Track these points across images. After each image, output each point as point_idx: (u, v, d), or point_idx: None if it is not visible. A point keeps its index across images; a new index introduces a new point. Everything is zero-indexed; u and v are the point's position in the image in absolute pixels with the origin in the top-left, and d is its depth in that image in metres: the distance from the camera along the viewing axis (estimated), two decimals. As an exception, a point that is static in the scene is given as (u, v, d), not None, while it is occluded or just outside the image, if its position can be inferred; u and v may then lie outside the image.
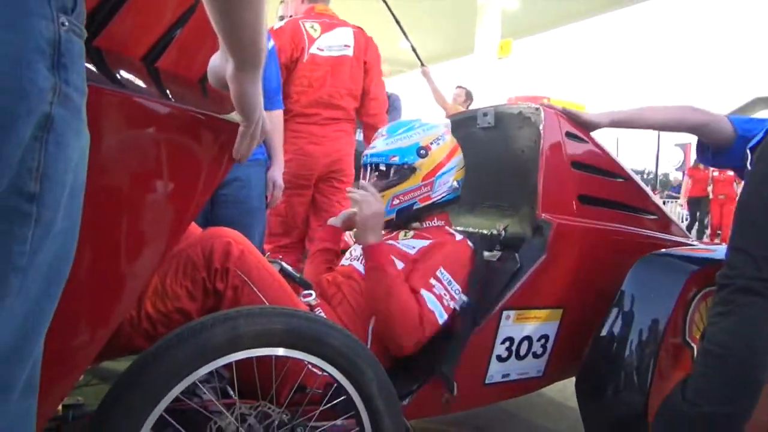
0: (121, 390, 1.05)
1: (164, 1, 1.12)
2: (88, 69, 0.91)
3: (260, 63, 0.83)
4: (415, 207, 1.72)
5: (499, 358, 1.64)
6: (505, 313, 1.61)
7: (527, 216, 1.76)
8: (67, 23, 0.57)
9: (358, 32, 2.90)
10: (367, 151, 1.79)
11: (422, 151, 1.70)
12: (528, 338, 1.68)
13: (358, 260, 1.68)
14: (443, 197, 1.75)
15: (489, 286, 1.65)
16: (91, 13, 0.94)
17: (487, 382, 1.64)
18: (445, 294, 1.56)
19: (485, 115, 1.97)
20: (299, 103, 2.76)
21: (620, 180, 1.91)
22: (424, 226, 1.76)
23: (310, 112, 2.77)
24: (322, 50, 2.76)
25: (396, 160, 1.70)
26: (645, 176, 26.83)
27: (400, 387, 1.44)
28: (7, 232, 0.53)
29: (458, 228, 1.84)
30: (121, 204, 0.89)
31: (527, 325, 1.66)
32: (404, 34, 4.00)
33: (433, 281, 1.57)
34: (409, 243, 1.69)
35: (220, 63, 0.86)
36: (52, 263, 0.59)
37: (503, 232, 1.81)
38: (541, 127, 1.76)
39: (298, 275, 1.59)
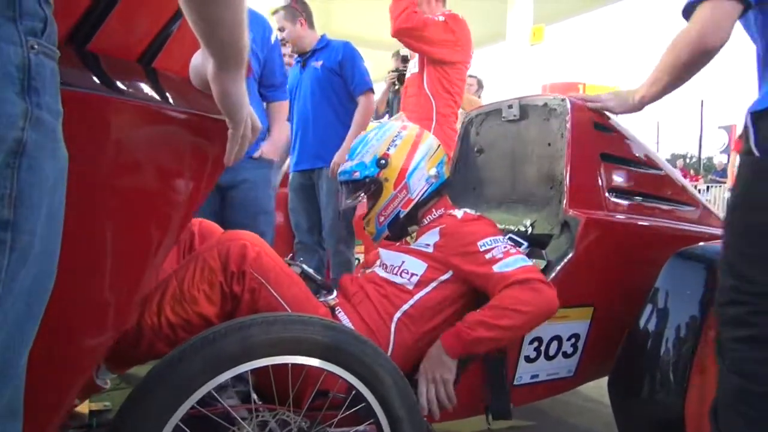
0: (135, 402, 1.05)
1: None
2: (83, 74, 0.91)
3: (243, 62, 0.80)
4: (401, 215, 1.68)
5: (527, 359, 1.60)
6: (532, 312, 1.55)
7: (555, 211, 1.70)
8: (36, 46, 0.56)
9: None
10: (338, 170, 1.78)
11: (382, 162, 1.66)
12: (557, 338, 1.63)
13: (379, 267, 1.65)
14: (426, 191, 1.68)
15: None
16: (82, 17, 0.93)
17: (515, 383, 1.60)
18: (503, 248, 1.50)
19: (510, 107, 1.91)
20: (457, 105, 2.86)
21: (653, 171, 1.83)
22: (424, 223, 1.70)
23: (455, 114, 2.86)
24: None
25: (357, 175, 1.67)
26: (687, 160, 26.06)
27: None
28: None
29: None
30: (105, 208, 0.88)
31: (556, 324, 1.60)
32: None
33: (488, 256, 1.49)
34: (421, 242, 1.64)
35: (201, 62, 0.83)
36: (32, 286, 0.58)
37: (530, 228, 1.76)
38: (567, 119, 1.69)
39: (319, 277, 1.58)
